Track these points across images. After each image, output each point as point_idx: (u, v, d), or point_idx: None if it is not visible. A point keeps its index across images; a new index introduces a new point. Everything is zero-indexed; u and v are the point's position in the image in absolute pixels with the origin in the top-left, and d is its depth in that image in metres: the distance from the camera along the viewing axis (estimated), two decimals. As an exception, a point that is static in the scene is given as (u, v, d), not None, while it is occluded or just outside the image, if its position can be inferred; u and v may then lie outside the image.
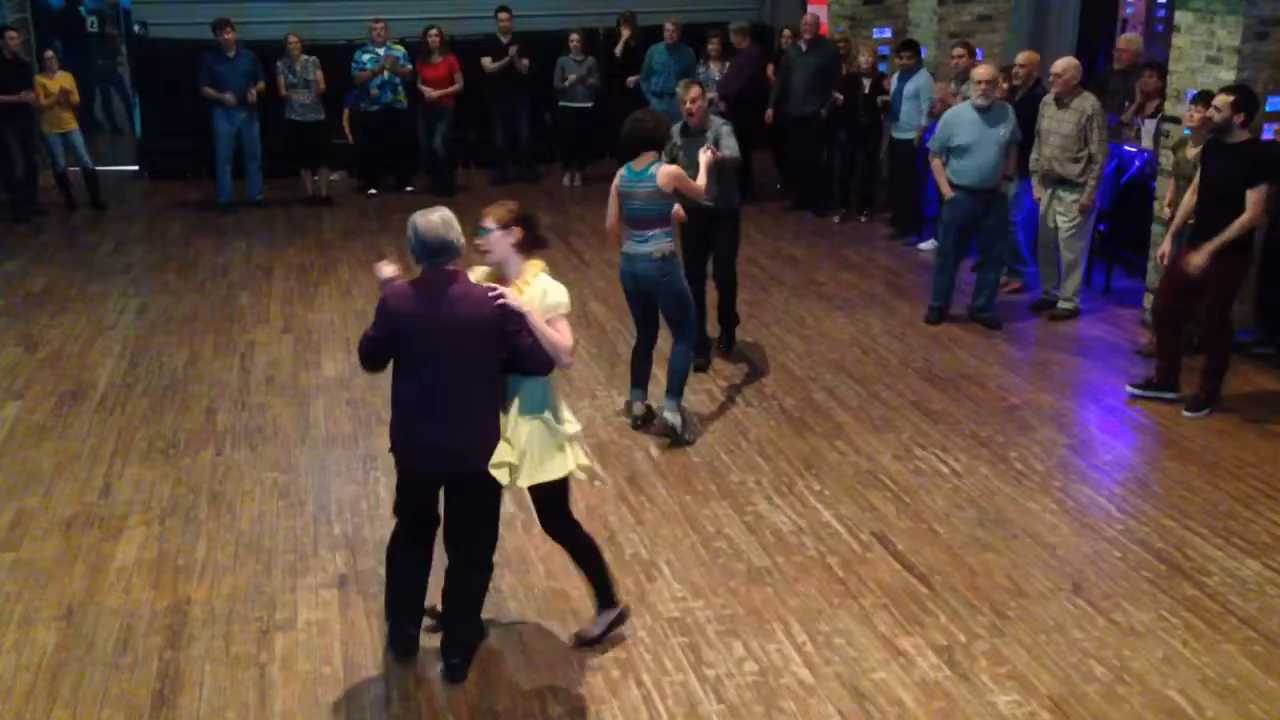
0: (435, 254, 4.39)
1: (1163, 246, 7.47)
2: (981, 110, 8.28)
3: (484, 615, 4.92)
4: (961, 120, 8.38)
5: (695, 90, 7.32)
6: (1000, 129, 8.28)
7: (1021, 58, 9.32)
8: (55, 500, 6.17)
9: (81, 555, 5.63)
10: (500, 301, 4.41)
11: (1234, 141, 6.91)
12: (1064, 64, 8.45)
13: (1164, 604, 5.22)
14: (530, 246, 4.63)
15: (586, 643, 4.91)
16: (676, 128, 7.30)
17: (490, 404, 4.52)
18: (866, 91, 10.97)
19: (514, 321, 4.43)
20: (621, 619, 5.01)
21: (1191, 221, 7.24)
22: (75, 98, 11.98)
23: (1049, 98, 8.56)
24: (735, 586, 5.35)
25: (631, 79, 12.74)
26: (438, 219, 4.40)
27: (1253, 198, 6.80)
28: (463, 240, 4.45)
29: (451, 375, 4.40)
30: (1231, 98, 6.86)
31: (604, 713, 4.53)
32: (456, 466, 4.50)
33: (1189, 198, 7.31)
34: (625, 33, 13.11)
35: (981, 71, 8.35)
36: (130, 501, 6.15)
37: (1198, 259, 6.94)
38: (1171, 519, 5.93)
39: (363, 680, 4.72)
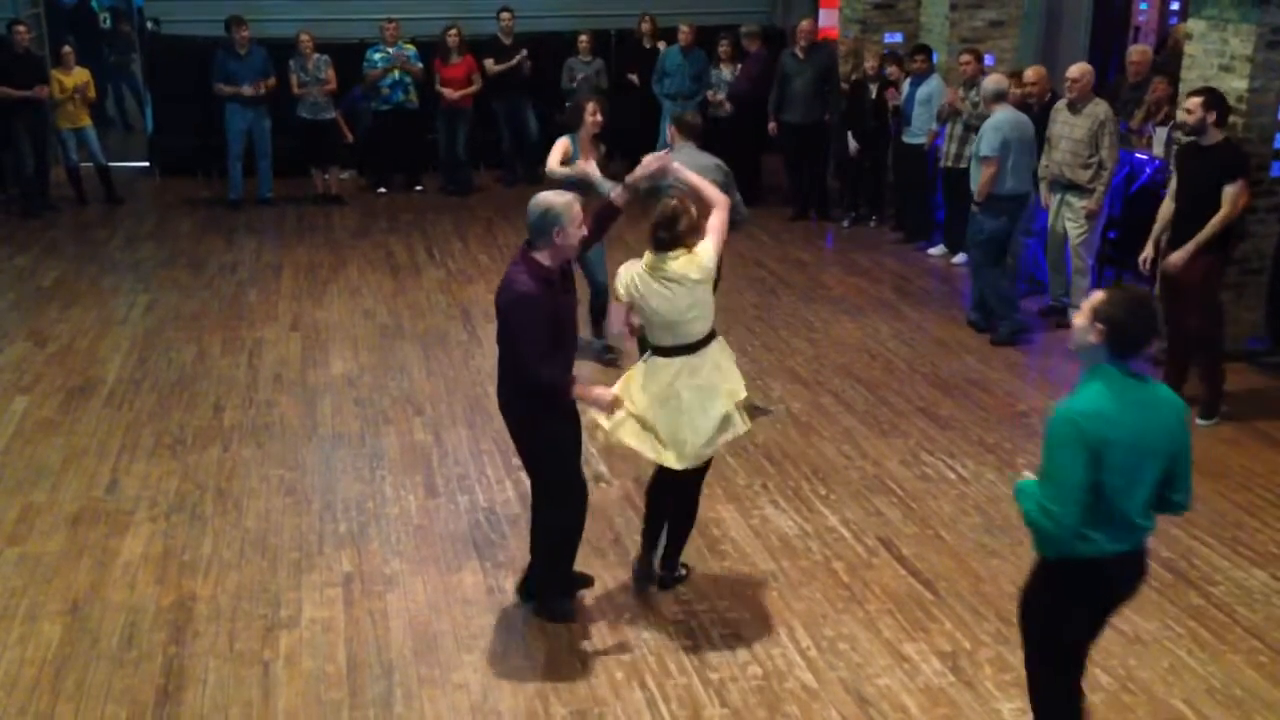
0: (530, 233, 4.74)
1: (1145, 251, 7.43)
2: None
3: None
4: None
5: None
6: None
7: (1030, 74, 9.22)
8: (62, 495, 6.18)
9: (87, 550, 5.64)
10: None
11: (1209, 143, 6.96)
12: (1079, 69, 8.42)
13: (1170, 613, 5.20)
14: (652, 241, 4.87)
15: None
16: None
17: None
18: (874, 96, 10.96)
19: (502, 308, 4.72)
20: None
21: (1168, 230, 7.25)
22: (92, 94, 11.99)
23: (1062, 103, 8.54)
24: (740, 590, 5.35)
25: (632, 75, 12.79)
26: (536, 198, 4.71)
27: (1228, 193, 6.86)
28: (560, 225, 4.61)
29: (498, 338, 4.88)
30: (1200, 98, 6.90)
31: (607, 715, 4.52)
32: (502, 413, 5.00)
33: (1167, 203, 7.31)
34: (647, 30, 13.08)
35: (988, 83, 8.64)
36: (137, 497, 6.17)
37: (1178, 257, 7.00)
38: (1178, 528, 5.90)
39: (366, 678, 4.72)
